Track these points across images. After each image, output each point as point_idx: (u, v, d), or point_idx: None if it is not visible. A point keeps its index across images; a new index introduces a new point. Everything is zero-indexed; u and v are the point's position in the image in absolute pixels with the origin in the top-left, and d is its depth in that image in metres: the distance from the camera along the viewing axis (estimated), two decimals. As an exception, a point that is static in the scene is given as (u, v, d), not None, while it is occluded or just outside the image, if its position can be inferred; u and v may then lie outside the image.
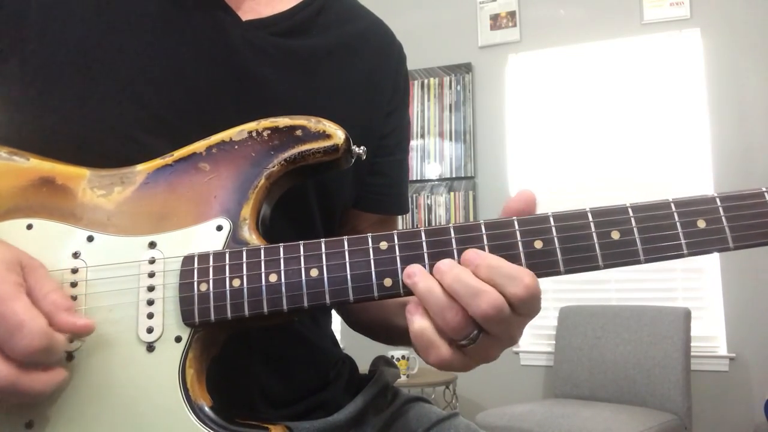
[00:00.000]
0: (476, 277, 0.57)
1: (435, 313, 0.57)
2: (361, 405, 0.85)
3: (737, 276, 3.45)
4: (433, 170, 4.21)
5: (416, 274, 0.59)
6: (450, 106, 4.23)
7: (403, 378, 3.36)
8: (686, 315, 3.22)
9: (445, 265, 0.58)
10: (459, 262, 0.59)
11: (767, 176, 3.45)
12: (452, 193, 4.13)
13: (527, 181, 4.00)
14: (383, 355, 0.97)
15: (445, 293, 0.57)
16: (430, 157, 4.23)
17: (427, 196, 4.17)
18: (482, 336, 0.58)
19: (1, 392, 0.54)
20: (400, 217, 0.99)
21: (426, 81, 4.30)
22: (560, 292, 3.82)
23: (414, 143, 4.26)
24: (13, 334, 0.53)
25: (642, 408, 3.07)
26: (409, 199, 4.10)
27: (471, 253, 0.59)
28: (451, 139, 4.19)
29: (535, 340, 3.90)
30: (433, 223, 4.11)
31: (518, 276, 0.56)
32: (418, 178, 4.22)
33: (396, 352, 3.37)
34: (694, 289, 3.60)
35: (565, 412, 2.92)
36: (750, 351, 3.43)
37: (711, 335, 3.52)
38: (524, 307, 0.57)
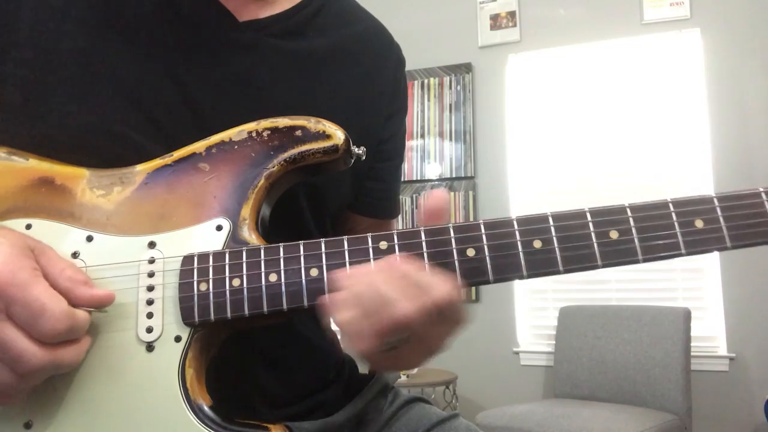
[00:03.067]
0: (395, 283, 0.58)
1: (362, 315, 0.58)
2: (361, 406, 0.85)
3: (737, 276, 3.45)
4: (433, 170, 4.21)
5: (343, 276, 0.60)
6: (450, 106, 4.23)
7: (403, 378, 3.36)
8: (686, 315, 3.22)
9: (366, 267, 0.59)
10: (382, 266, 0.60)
11: (767, 176, 3.45)
12: (452, 193, 4.12)
13: (527, 181, 4.00)
14: None
15: (374, 295, 0.57)
16: (430, 157, 4.23)
17: (427, 196, 4.16)
18: (407, 340, 0.59)
19: (41, 371, 0.56)
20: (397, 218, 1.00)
21: (426, 81, 4.30)
22: (560, 292, 3.82)
23: (414, 143, 4.26)
24: (38, 319, 0.55)
25: (642, 408, 3.07)
26: (410, 199, 4.12)
27: (392, 259, 0.60)
28: (451, 139, 4.19)
29: (535, 340, 3.90)
30: (433, 223, 4.11)
31: (433, 284, 0.57)
32: (418, 178, 4.22)
33: (396, 352, 3.37)
34: (694, 289, 3.60)
35: (565, 412, 2.92)
36: (750, 351, 3.43)
37: (711, 335, 3.52)
38: (441, 316, 0.58)
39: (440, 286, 0.57)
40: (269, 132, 0.68)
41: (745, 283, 3.44)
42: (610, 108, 3.86)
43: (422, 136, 4.26)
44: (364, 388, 0.88)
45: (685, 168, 3.67)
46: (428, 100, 4.28)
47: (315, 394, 0.84)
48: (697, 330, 3.33)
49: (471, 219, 4.03)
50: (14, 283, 0.54)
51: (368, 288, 0.58)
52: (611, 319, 3.40)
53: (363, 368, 0.92)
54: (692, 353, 3.21)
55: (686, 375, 3.11)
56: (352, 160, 0.70)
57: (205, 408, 0.61)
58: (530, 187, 3.99)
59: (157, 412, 0.61)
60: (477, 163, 4.12)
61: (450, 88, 4.24)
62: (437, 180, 4.18)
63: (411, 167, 4.22)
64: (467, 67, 4.21)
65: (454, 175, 4.14)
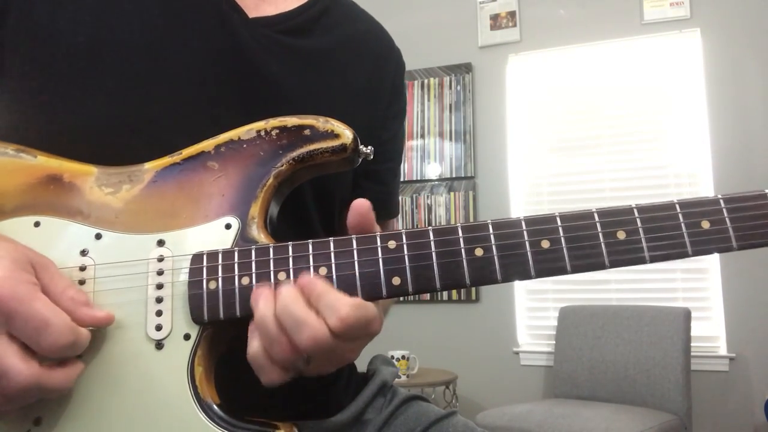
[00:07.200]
0: (307, 304, 0.57)
1: (265, 344, 0.58)
2: (361, 405, 0.85)
3: (737, 276, 3.46)
4: (433, 170, 4.21)
5: (259, 298, 0.59)
6: (450, 106, 4.23)
7: (403, 378, 3.36)
8: (686, 315, 3.22)
9: (281, 291, 0.58)
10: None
11: (767, 176, 3.46)
12: (452, 193, 4.13)
13: (527, 181, 4.00)
14: (381, 354, 0.98)
15: (276, 323, 0.57)
16: (430, 157, 4.23)
17: (427, 196, 4.17)
18: (313, 359, 0.59)
19: (26, 391, 0.55)
20: (397, 218, 1.00)
21: (426, 81, 4.30)
22: (560, 292, 3.83)
23: (414, 143, 4.27)
24: (40, 333, 0.54)
25: (642, 408, 3.07)
26: (410, 199, 4.12)
27: (304, 279, 0.59)
28: (451, 139, 4.19)
29: (535, 340, 3.91)
30: (434, 223, 4.12)
31: (335, 306, 0.56)
32: (418, 178, 4.22)
33: (396, 353, 3.38)
34: (694, 289, 3.60)
35: (565, 412, 2.92)
36: (750, 351, 3.44)
37: (711, 335, 3.53)
38: (346, 335, 0.57)
39: (343, 308, 0.56)
40: (278, 131, 0.68)
41: (745, 283, 3.45)
42: (610, 108, 3.87)
43: (422, 136, 4.26)
44: (363, 387, 0.88)
45: (684, 167, 3.68)
46: (428, 100, 4.29)
47: (317, 393, 0.84)
48: (697, 330, 3.34)
49: (471, 219, 4.05)
50: (16, 297, 0.54)
51: (283, 310, 0.57)
52: (611, 319, 3.40)
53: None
54: (692, 353, 3.21)
55: (686, 375, 3.12)
56: (360, 160, 0.70)
57: (214, 406, 0.61)
58: (530, 187, 4.00)
59: (166, 410, 0.61)
60: (477, 163, 4.12)
61: (450, 88, 4.24)
62: (437, 180, 4.18)
63: (411, 167, 4.23)
64: (467, 67, 4.21)
65: (454, 175, 4.15)
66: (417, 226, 4.12)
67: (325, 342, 0.56)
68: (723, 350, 3.50)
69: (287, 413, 0.78)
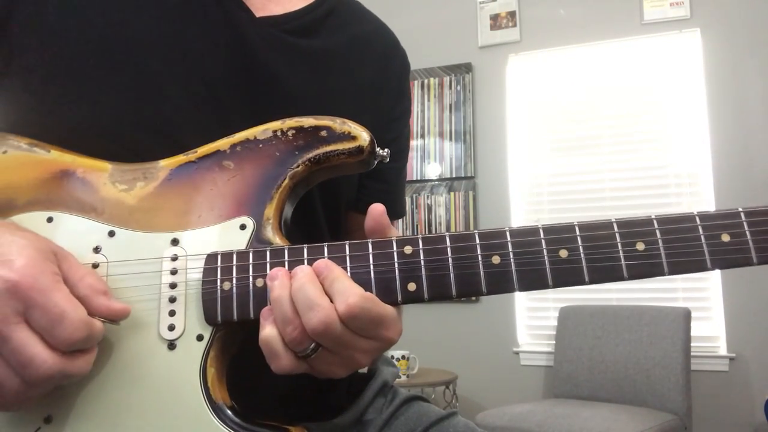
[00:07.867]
0: (321, 287, 0.58)
1: (278, 323, 0.58)
2: (362, 406, 0.85)
3: (737, 276, 3.46)
4: (433, 170, 4.21)
5: (276, 278, 0.59)
6: (450, 106, 4.23)
7: (403, 378, 3.36)
8: (686, 315, 3.22)
9: (297, 271, 0.59)
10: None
11: (766, 176, 3.46)
12: (452, 193, 4.13)
13: (527, 181, 4.00)
14: (381, 354, 0.97)
15: (291, 304, 0.58)
16: (430, 157, 4.23)
17: (427, 196, 4.17)
18: (321, 350, 0.59)
19: (49, 379, 0.55)
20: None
21: (426, 81, 4.29)
22: (560, 292, 3.82)
23: (414, 143, 4.26)
24: (55, 326, 0.54)
25: (642, 408, 3.07)
26: (410, 199, 4.12)
27: (321, 262, 0.60)
28: (451, 139, 4.19)
29: (535, 340, 3.90)
30: (433, 223, 4.12)
31: (345, 293, 0.57)
32: (418, 178, 4.22)
33: (396, 353, 3.37)
34: (694, 289, 3.60)
35: (565, 412, 2.92)
36: (750, 351, 3.44)
37: (711, 335, 3.53)
38: (354, 325, 0.58)
39: (351, 296, 0.57)
40: (294, 131, 0.68)
41: (745, 283, 3.45)
42: (610, 108, 3.87)
43: (422, 136, 4.26)
44: (363, 388, 0.88)
45: (684, 167, 3.67)
46: (428, 100, 4.28)
47: (321, 394, 0.84)
48: (697, 330, 3.34)
49: (471, 219, 4.05)
50: (36, 287, 0.54)
51: (298, 290, 0.58)
52: (611, 319, 3.40)
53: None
54: (692, 353, 3.21)
55: (686, 375, 3.12)
56: (376, 162, 0.69)
57: (226, 408, 0.61)
58: (530, 187, 3.99)
59: (178, 411, 0.60)
60: (477, 163, 4.12)
61: (450, 88, 4.24)
62: (437, 180, 4.18)
63: (411, 167, 4.22)
64: (467, 67, 4.21)
65: (454, 175, 4.14)
66: (417, 226, 4.12)
67: (334, 327, 0.56)
68: (723, 350, 3.50)
69: (289, 415, 0.78)
